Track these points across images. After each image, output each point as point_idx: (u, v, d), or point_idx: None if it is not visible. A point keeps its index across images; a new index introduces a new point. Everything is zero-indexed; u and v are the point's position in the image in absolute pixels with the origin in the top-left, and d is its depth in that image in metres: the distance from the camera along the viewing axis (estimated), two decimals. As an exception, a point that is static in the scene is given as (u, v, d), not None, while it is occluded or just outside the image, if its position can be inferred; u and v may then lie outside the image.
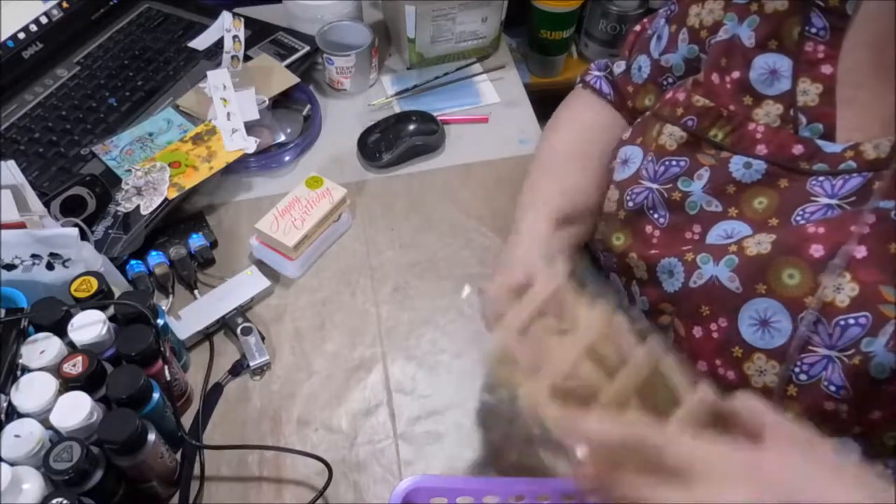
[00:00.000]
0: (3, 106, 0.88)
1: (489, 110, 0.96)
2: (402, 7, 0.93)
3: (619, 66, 0.75)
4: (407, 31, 0.96)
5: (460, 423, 0.67)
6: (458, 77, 0.99)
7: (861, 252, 0.49)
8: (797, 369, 0.50)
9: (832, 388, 0.49)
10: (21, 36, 0.91)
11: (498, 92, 0.99)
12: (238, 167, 0.84)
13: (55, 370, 0.55)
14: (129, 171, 0.80)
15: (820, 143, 0.53)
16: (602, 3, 1.27)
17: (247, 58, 0.93)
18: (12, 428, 0.52)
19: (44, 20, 0.93)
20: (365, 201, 0.85)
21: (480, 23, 0.98)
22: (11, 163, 0.68)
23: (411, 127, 0.89)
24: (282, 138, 0.89)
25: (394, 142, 0.88)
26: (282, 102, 0.92)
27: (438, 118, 0.91)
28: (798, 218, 0.53)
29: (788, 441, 0.40)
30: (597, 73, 0.78)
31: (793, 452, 0.40)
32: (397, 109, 0.95)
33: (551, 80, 1.34)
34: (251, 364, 0.69)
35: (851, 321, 0.48)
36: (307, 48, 0.96)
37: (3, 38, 0.89)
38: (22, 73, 0.91)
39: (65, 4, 0.95)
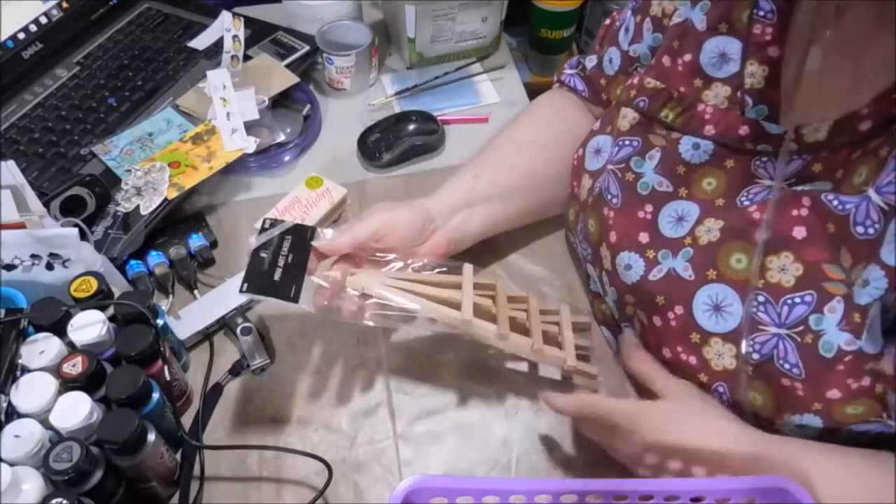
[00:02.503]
0: (3, 106, 0.88)
1: (489, 110, 0.96)
2: (402, 7, 0.93)
3: (590, 61, 0.77)
4: (407, 31, 0.96)
5: (460, 423, 0.67)
6: (458, 77, 0.99)
7: (801, 233, 0.52)
8: (750, 349, 0.53)
9: (786, 366, 0.51)
10: (21, 36, 0.91)
11: (498, 91, 0.99)
12: (238, 167, 0.84)
13: (55, 370, 0.55)
14: (129, 171, 0.80)
15: (765, 124, 0.55)
16: (602, 2, 1.27)
17: (247, 57, 0.93)
18: (12, 428, 0.52)
19: (44, 20, 0.93)
20: (365, 201, 0.85)
21: (480, 22, 0.98)
22: (11, 163, 0.68)
23: (411, 127, 0.89)
24: (282, 138, 0.89)
25: (394, 142, 0.88)
26: (281, 102, 0.92)
27: (438, 118, 0.91)
28: (743, 199, 0.56)
29: (675, 398, 0.56)
30: (569, 71, 0.80)
31: (678, 407, 0.55)
32: (397, 109, 0.95)
33: (552, 79, 1.34)
34: (251, 364, 0.69)
35: (798, 300, 0.51)
36: (307, 48, 0.96)
37: (3, 38, 0.89)
38: (22, 73, 0.91)
39: (65, 4, 0.95)
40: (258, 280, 0.57)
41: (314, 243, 0.60)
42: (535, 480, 0.62)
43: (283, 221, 0.61)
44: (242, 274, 0.58)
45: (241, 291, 0.56)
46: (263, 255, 0.59)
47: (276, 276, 0.57)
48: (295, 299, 0.57)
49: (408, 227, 0.64)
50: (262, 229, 0.61)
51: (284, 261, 0.58)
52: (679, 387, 0.57)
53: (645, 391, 0.60)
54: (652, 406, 0.56)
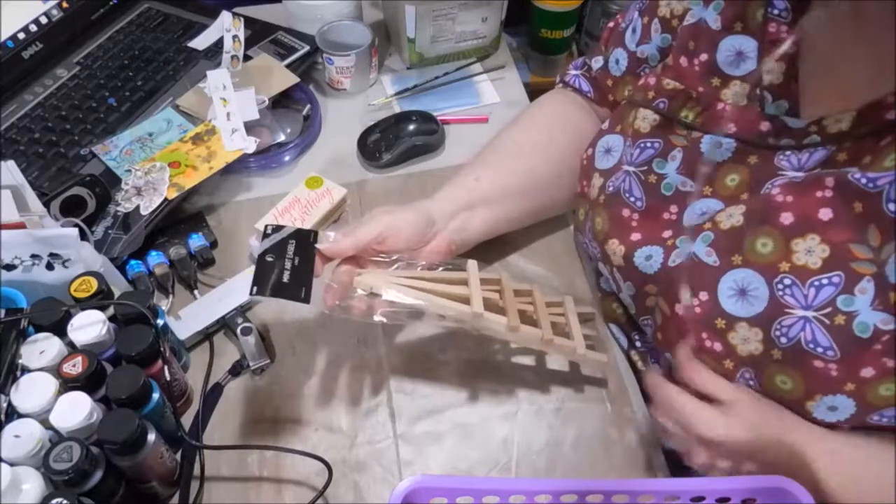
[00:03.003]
0: (3, 106, 0.88)
1: (489, 110, 0.96)
2: (402, 7, 0.93)
3: (596, 62, 0.76)
4: (407, 31, 0.96)
5: (460, 423, 0.67)
6: (458, 77, 0.99)
7: (827, 214, 0.51)
8: (777, 333, 0.52)
9: (819, 349, 0.51)
10: (21, 36, 0.91)
11: (498, 92, 0.99)
12: (238, 167, 0.84)
13: (55, 370, 0.55)
14: (129, 171, 0.80)
15: (786, 119, 0.55)
16: (602, 2, 1.27)
17: (247, 57, 0.93)
18: (12, 428, 0.52)
19: (44, 20, 0.93)
20: (365, 201, 0.85)
21: (480, 22, 0.98)
22: (11, 163, 0.68)
23: (411, 127, 0.89)
24: (282, 138, 0.89)
25: (394, 142, 0.88)
26: (282, 102, 0.92)
27: (438, 118, 0.91)
28: (767, 191, 0.55)
29: (747, 404, 0.54)
30: (574, 71, 0.80)
31: (750, 413, 0.54)
32: (397, 109, 0.95)
33: (552, 79, 1.33)
34: (251, 364, 0.69)
35: (825, 281, 0.51)
36: (307, 48, 0.96)
37: (3, 38, 0.89)
38: (22, 73, 0.91)
39: (65, 4, 0.95)
40: (267, 283, 0.57)
41: (318, 246, 0.61)
42: (535, 480, 0.62)
43: (284, 227, 0.61)
44: (248, 276, 0.58)
45: (251, 294, 0.56)
46: (269, 258, 0.59)
47: (285, 279, 0.57)
48: (307, 300, 0.57)
49: (410, 230, 0.64)
50: (265, 235, 0.61)
51: (291, 263, 0.59)
52: (745, 394, 0.55)
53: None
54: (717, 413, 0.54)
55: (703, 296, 0.56)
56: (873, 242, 0.49)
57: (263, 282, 0.57)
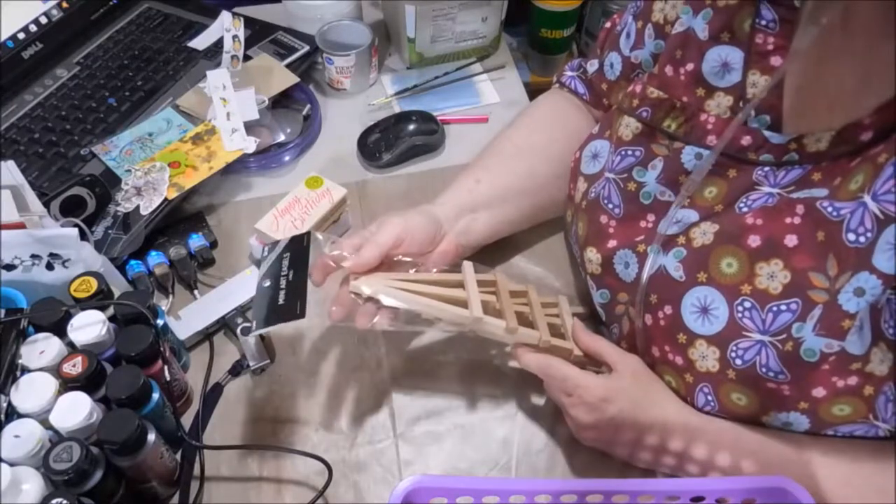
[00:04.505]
0: (3, 106, 0.88)
1: (489, 110, 0.96)
2: (402, 7, 0.93)
3: (592, 66, 0.76)
4: (407, 31, 0.96)
5: (460, 423, 0.67)
6: (458, 77, 0.99)
7: (792, 241, 0.51)
8: (733, 354, 0.53)
9: (770, 373, 0.51)
10: (21, 36, 0.91)
11: (498, 92, 0.99)
12: (238, 167, 0.84)
13: (55, 370, 0.55)
14: (129, 171, 0.80)
15: (767, 133, 0.54)
16: (602, 2, 1.27)
17: (246, 57, 0.93)
18: (12, 428, 0.52)
19: (43, 20, 0.93)
20: (365, 201, 0.85)
21: (480, 22, 0.98)
22: (11, 163, 0.68)
23: (411, 127, 0.89)
24: (281, 138, 0.89)
25: (394, 142, 0.88)
26: (281, 102, 0.92)
27: (438, 118, 0.91)
28: (741, 205, 0.55)
29: (630, 372, 0.58)
30: (570, 73, 0.80)
31: (631, 380, 0.58)
32: (397, 109, 0.95)
33: (552, 79, 1.33)
34: (251, 364, 0.69)
35: (783, 307, 0.51)
36: (307, 48, 0.96)
37: (3, 38, 0.89)
38: (22, 73, 0.91)
39: (64, 4, 0.95)
40: (265, 312, 0.56)
41: (345, 264, 0.59)
42: (535, 480, 0.62)
43: (277, 242, 0.61)
44: (248, 276, 0.58)
45: (254, 330, 0.56)
46: (266, 284, 0.58)
47: (281, 300, 0.57)
48: (301, 315, 0.56)
49: (423, 232, 0.64)
50: (262, 258, 0.61)
51: (286, 280, 0.58)
52: (630, 360, 0.59)
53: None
54: (616, 387, 0.57)
55: (668, 309, 0.57)
56: (831, 272, 0.49)
57: (263, 313, 0.56)
